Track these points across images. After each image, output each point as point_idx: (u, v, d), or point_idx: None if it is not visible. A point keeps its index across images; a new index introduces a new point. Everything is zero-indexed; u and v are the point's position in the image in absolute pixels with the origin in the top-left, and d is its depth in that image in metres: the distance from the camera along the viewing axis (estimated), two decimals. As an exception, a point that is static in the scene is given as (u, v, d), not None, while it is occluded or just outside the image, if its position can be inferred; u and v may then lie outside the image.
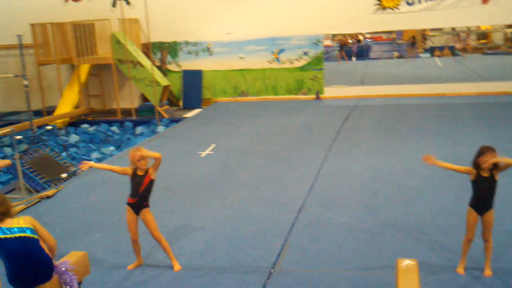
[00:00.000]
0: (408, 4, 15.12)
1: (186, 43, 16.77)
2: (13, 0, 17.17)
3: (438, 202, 7.11)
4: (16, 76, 13.21)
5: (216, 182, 8.52)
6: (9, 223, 3.72)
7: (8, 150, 12.64)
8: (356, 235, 6.17)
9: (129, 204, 5.40)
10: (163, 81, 15.75)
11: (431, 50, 27.07)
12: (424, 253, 5.56)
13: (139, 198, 5.35)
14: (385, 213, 6.81)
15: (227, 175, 8.91)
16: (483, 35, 28.41)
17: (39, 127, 13.27)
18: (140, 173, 5.33)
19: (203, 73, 16.66)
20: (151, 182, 5.35)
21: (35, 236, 3.76)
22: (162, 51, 16.95)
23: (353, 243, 5.95)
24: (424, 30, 26.00)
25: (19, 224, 3.73)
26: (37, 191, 8.87)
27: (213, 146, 10.87)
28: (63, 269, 3.89)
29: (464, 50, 26.67)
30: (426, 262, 5.29)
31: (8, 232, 3.67)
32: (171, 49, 16.91)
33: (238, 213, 7.08)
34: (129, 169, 5.37)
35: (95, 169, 9.76)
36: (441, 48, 26.59)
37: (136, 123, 15.12)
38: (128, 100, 16.24)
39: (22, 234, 3.70)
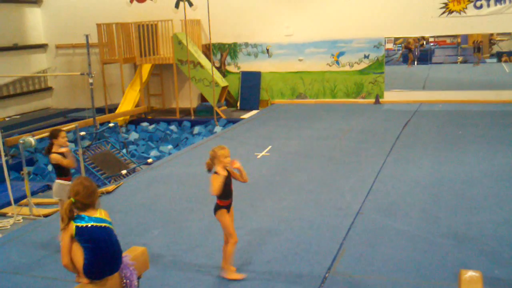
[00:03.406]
0: (476, 7, 14.61)
1: (246, 44, 16.86)
2: (80, 1, 17.80)
3: (502, 213, 6.81)
4: (82, 74, 13.66)
5: (272, 184, 8.49)
6: (92, 213, 3.81)
7: (71, 146, 13.10)
8: (414, 243, 6.00)
9: (224, 206, 5.23)
10: (222, 82, 15.90)
11: (498, 55, 26.07)
12: (487, 265, 5.33)
13: (231, 197, 5.29)
14: (445, 222, 6.59)
15: (283, 177, 8.88)
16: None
17: (102, 124, 13.68)
18: (226, 173, 5.22)
19: (261, 74, 16.71)
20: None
21: (114, 229, 3.89)
22: (222, 52, 17.11)
23: (411, 252, 5.78)
24: (492, 34, 25.09)
25: (101, 215, 3.84)
26: (98, 186, 9.11)
27: (269, 147, 10.86)
28: (125, 263, 3.96)
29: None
30: (488, 274, 5.07)
31: (93, 221, 3.76)
32: (231, 50, 17.05)
33: (293, 216, 7.03)
34: (224, 171, 5.19)
35: (154, 167, 9.97)
36: (509, 54, 25.56)
37: (194, 123, 15.32)
38: (187, 100, 16.49)
39: (105, 224, 3.81)
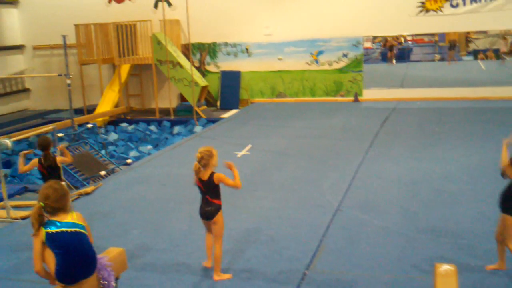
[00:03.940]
0: (452, 6, 14.80)
1: (225, 44, 16.85)
2: (58, 1, 17.61)
3: (477, 207, 6.92)
4: (60, 75, 13.53)
5: (252, 183, 8.50)
6: (63, 217, 3.70)
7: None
8: (392, 238, 6.07)
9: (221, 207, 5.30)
10: (202, 81, 15.87)
11: (475, 53, 26.45)
12: (463, 259, 5.42)
13: None
14: (423, 217, 6.67)
15: (263, 176, 8.90)
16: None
17: (80, 125, 13.56)
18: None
19: (241, 74, 16.72)
20: None
21: (86, 233, 3.78)
22: (202, 52, 17.08)
23: (389, 247, 5.85)
24: (468, 32, 25.44)
25: (73, 219, 3.73)
26: (77, 188, 9.04)
27: (249, 146, 10.88)
28: (102, 264, 3.92)
29: (510, 53, 25.89)
30: (464, 267, 5.15)
31: (63, 227, 3.66)
32: (210, 50, 17.02)
33: (274, 214, 7.06)
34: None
35: (133, 167, 9.92)
36: (485, 51, 25.95)
37: (174, 123, 15.27)
38: (167, 100, 16.42)
39: (76, 229, 3.70)
